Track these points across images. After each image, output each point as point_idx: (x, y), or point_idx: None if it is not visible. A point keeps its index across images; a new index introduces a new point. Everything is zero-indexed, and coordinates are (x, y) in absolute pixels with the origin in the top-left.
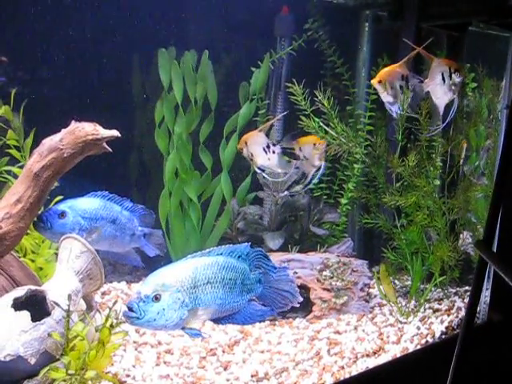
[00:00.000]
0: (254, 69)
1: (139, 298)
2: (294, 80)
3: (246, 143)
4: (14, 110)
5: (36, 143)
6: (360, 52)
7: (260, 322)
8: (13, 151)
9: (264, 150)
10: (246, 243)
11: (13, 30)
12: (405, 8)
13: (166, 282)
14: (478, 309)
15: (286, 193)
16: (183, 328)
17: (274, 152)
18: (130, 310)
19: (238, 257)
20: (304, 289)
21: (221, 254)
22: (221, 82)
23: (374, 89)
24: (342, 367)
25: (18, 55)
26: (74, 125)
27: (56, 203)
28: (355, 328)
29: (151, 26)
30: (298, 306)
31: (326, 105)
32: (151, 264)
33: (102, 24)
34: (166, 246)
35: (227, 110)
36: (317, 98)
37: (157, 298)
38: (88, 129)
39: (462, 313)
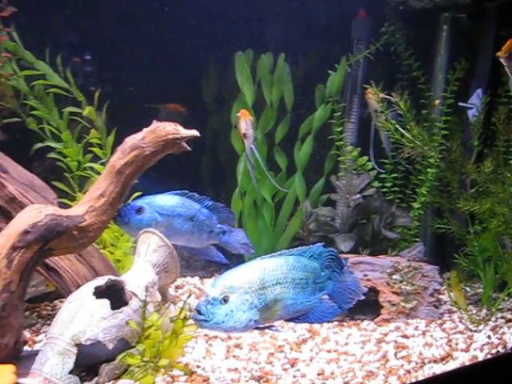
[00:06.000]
0: (330, 71)
1: (207, 300)
2: (372, 82)
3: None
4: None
5: (116, 142)
6: (437, 55)
7: (331, 319)
8: (95, 149)
9: None
10: (320, 243)
11: (96, 33)
12: (486, 10)
13: (233, 284)
14: None
15: (358, 196)
16: (256, 328)
17: None
18: (199, 312)
19: (310, 256)
20: (373, 291)
21: (292, 254)
22: (297, 84)
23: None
24: (409, 371)
25: (100, 57)
26: (155, 124)
27: (134, 199)
28: (423, 333)
29: (229, 29)
30: (362, 297)
31: (402, 107)
32: (234, 262)
33: (181, 26)
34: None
35: (303, 111)
36: (393, 100)
37: (225, 300)
38: (169, 128)
39: None
